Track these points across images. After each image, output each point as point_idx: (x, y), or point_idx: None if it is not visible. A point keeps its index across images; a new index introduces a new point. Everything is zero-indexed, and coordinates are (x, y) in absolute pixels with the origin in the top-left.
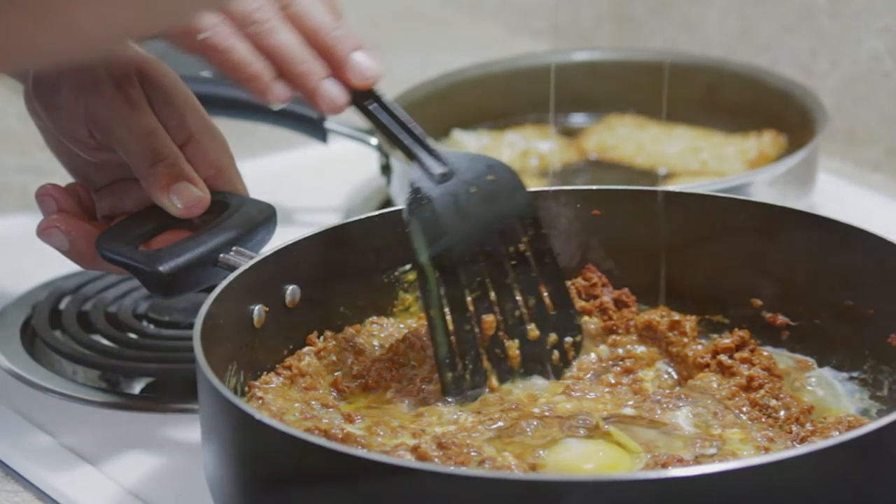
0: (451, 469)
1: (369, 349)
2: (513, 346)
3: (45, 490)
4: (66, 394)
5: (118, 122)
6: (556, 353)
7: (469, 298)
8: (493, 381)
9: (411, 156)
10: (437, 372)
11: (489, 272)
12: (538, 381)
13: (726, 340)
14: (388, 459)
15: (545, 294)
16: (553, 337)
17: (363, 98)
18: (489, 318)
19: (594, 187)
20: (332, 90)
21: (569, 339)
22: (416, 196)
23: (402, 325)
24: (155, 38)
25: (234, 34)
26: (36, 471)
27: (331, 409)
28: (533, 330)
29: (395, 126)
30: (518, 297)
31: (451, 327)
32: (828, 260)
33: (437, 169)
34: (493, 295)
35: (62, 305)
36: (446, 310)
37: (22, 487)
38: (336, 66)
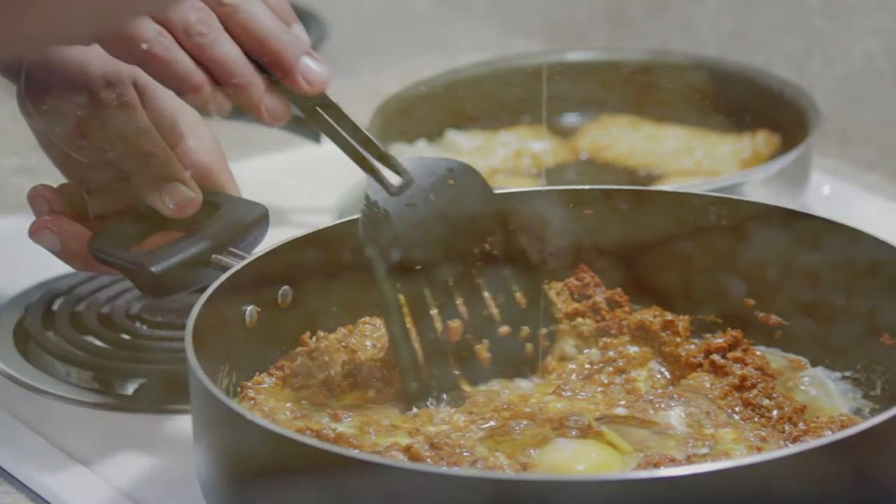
0: (443, 469)
1: (362, 349)
2: (482, 348)
3: (37, 491)
4: (58, 395)
5: (110, 121)
6: (529, 346)
7: (434, 308)
8: (465, 386)
9: (367, 167)
10: (401, 382)
11: (454, 277)
12: (523, 384)
13: (719, 340)
14: (379, 460)
15: (514, 289)
16: (525, 330)
17: (315, 104)
18: (455, 324)
19: (586, 187)
20: (272, 104)
21: (543, 331)
22: (372, 211)
23: None
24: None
25: (175, 45)
26: (28, 472)
27: (323, 410)
28: (504, 328)
29: (350, 135)
30: (487, 297)
31: (414, 338)
32: (821, 259)
33: (395, 179)
34: (459, 299)
35: (55, 306)
36: (409, 322)
37: (14, 488)
38: (284, 72)
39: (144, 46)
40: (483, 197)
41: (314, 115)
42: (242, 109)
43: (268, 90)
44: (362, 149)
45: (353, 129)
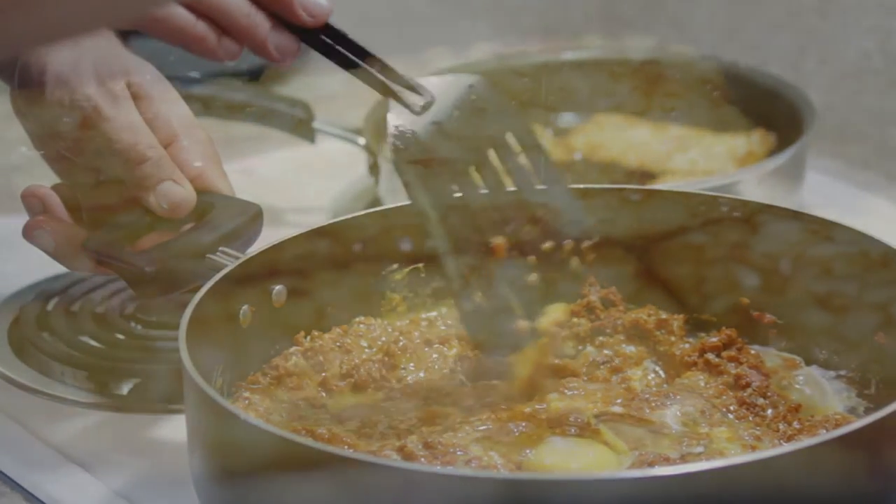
0: (437, 468)
1: (357, 349)
2: (531, 269)
3: (32, 491)
4: (53, 395)
5: (103, 120)
6: (574, 261)
7: (474, 226)
8: (521, 320)
9: (387, 91)
10: (457, 307)
11: (486, 191)
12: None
13: (714, 339)
14: (373, 459)
15: (551, 201)
16: (570, 244)
17: (323, 36)
18: (499, 241)
19: (581, 186)
20: (280, 40)
21: (587, 243)
22: (399, 134)
23: (388, 326)
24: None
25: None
26: (23, 472)
27: (318, 409)
28: (547, 244)
29: (364, 63)
30: (522, 212)
31: (462, 262)
32: (816, 258)
33: (417, 100)
34: (495, 216)
35: (50, 307)
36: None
37: (9, 489)
38: (284, 7)
39: None
40: (505, 109)
41: (317, 45)
42: (252, 51)
43: (273, 28)
44: (377, 72)
45: (364, 54)
